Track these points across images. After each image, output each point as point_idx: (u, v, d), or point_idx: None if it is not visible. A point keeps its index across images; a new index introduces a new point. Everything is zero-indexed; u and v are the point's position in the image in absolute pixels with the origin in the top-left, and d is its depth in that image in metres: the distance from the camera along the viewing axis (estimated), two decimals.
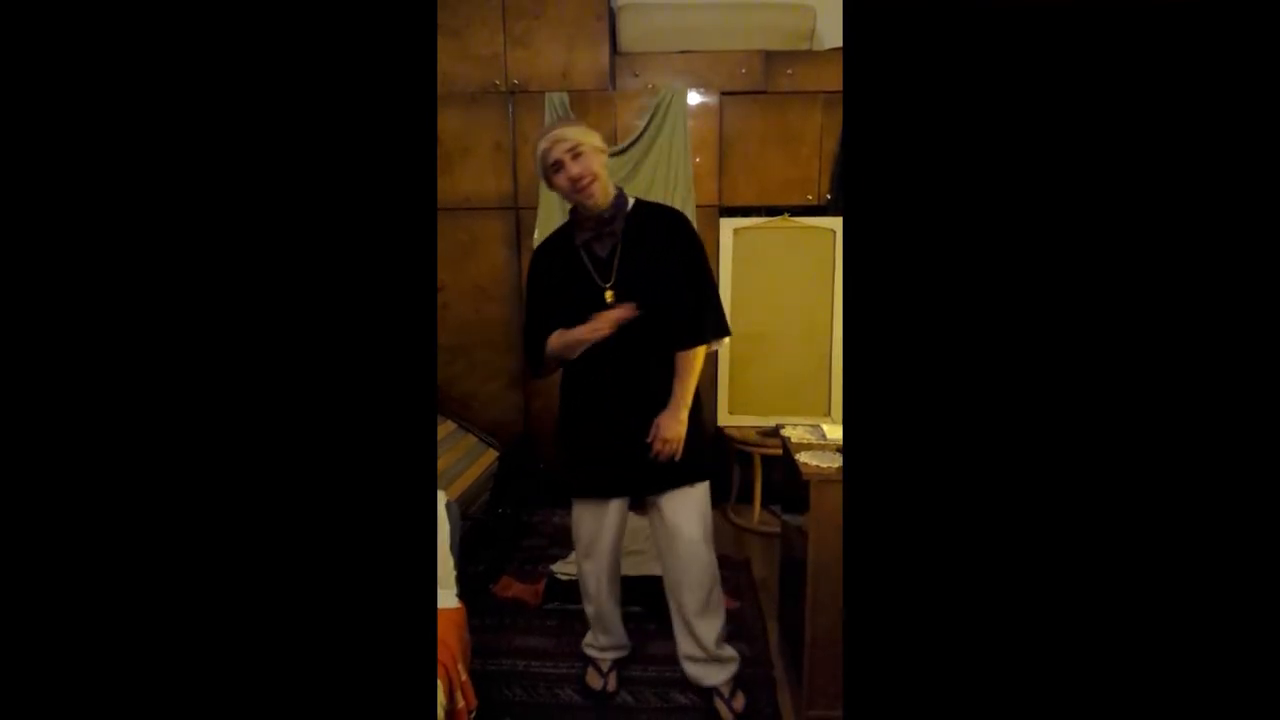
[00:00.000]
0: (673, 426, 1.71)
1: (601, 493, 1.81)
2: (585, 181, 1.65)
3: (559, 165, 1.65)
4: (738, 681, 1.91)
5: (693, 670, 1.89)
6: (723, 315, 1.78)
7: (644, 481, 1.77)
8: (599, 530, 1.84)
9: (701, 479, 1.80)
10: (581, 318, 1.69)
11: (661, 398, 1.72)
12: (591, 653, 2.04)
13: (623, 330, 1.67)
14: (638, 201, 1.78)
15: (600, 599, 1.95)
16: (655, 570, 2.31)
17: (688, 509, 1.79)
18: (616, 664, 2.04)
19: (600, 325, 1.65)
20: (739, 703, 1.87)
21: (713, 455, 1.94)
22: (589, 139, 1.66)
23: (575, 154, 1.64)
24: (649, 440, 1.71)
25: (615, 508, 1.83)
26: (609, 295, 1.69)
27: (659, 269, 1.70)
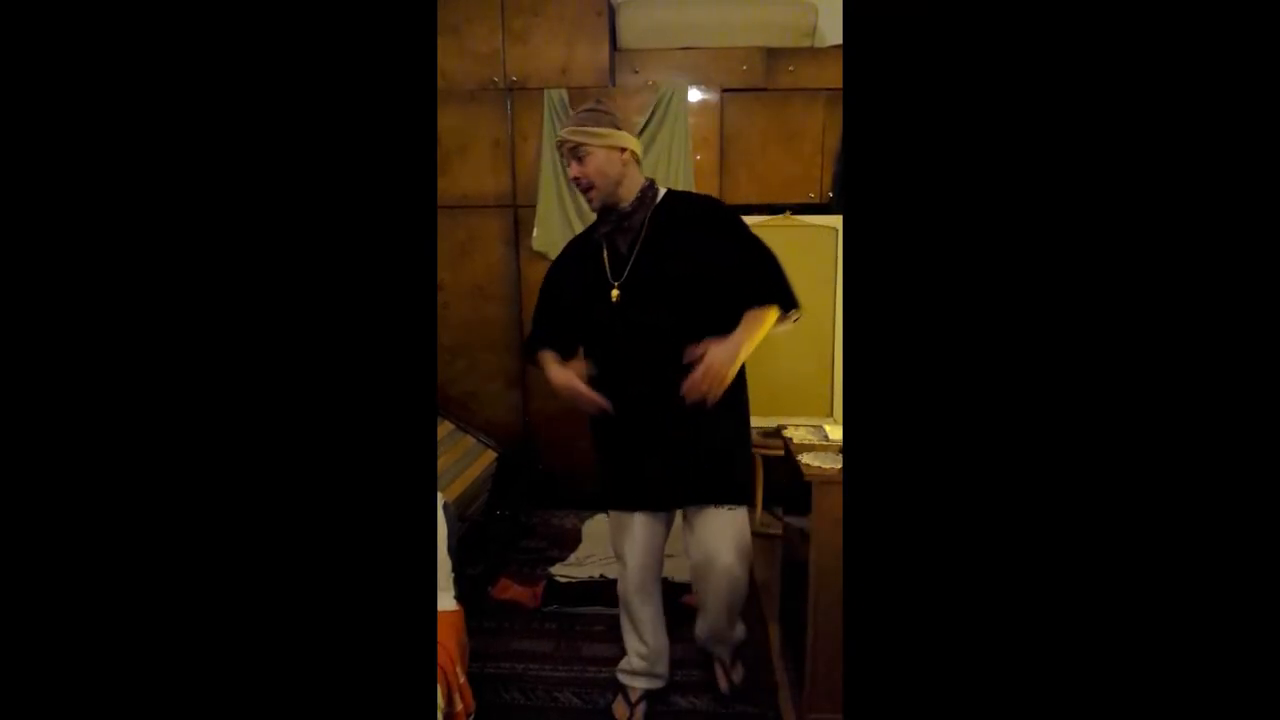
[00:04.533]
0: (722, 358, 1.48)
1: (627, 504, 1.72)
2: (583, 184, 1.60)
3: (568, 161, 1.60)
4: (739, 652, 1.99)
5: (706, 645, 1.95)
6: (790, 288, 1.61)
7: (672, 495, 1.68)
8: (626, 545, 1.76)
9: (738, 502, 1.68)
10: (588, 314, 1.66)
11: (685, 404, 1.55)
12: (622, 678, 1.91)
13: (642, 330, 1.60)
14: (670, 193, 1.68)
15: (630, 613, 1.84)
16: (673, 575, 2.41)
17: (724, 533, 1.67)
18: (647, 695, 1.89)
19: (582, 400, 1.62)
20: (738, 673, 1.97)
21: (748, 480, 1.81)
22: (598, 139, 1.56)
23: (578, 155, 1.58)
24: (691, 362, 1.51)
25: (642, 522, 1.72)
26: (614, 294, 1.62)
27: (687, 256, 1.59)
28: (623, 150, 1.59)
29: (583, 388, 1.61)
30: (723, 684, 1.95)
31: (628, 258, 1.63)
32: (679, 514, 1.77)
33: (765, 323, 1.57)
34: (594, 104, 1.62)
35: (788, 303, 1.60)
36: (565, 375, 1.65)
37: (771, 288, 1.59)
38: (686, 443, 1.62)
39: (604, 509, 1.80)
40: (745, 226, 1.66)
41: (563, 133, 1.59)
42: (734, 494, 1.68)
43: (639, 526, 1.73)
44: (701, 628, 1.89)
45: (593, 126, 1.57)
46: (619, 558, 1.80)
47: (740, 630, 1.93)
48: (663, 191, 1.68)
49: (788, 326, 1.66)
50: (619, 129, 1.59)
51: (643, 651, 1.86)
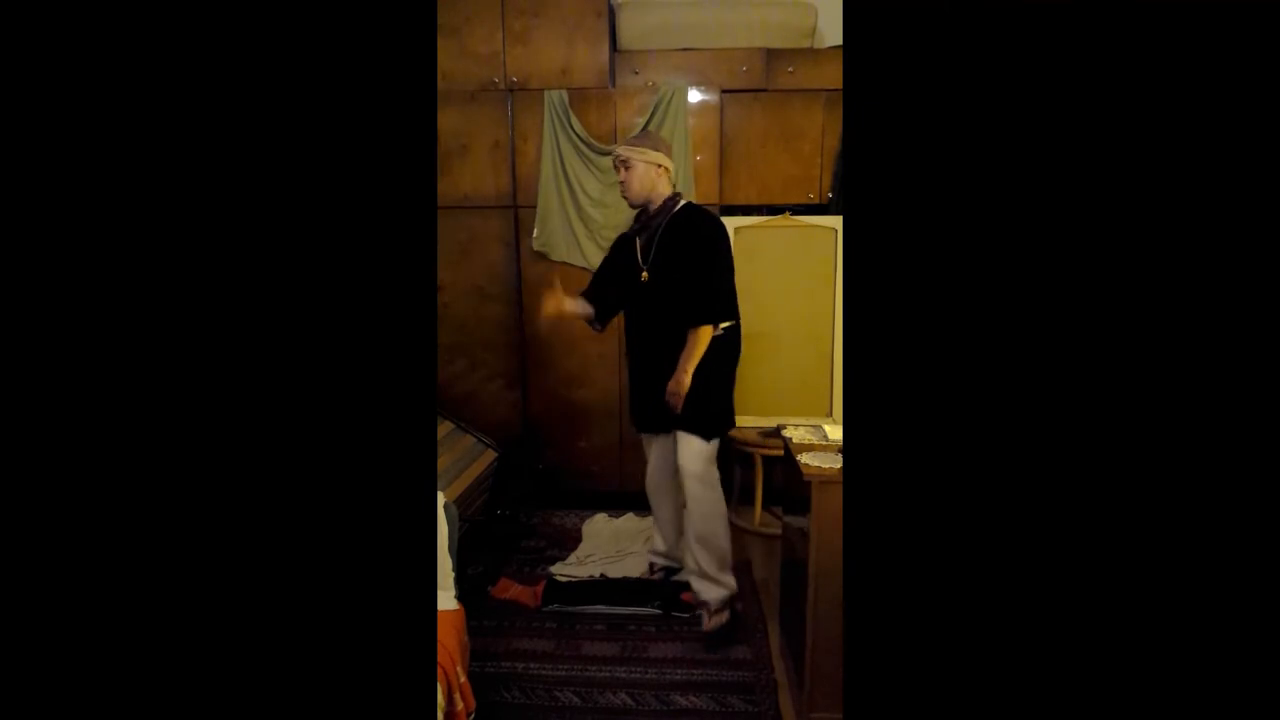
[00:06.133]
0: (673, 385, 2.17)
1: (636, 425, 2.45)
2: (623, 189, 2.25)
3: (618, 170, 2.25)
4: (730, 603, 2.27)
5: (694, 583, 2.30)
6: (727, 302, 2.18)
7: (657, 421, 2.32)
8: (648, 455, 2.47)
9: (700, 433, 2.23)
10: (625, 290, 2.31)
11: (675, 357, 2.18)
12: (649, 559, 2.62)
13: (650, 306, 2.25)
14: (687, 206, 2.27)
15: (654, 513, 2.55)
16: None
17: (690, 452, 2.24)
18: (667, 570, 2.58)
19: (566, 311, 2.33)
20: (721, 618, 2.23)
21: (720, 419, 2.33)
22: (644, 156, 2.20)
23: (625, 165, 2.21)
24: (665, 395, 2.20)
25: (648, 439, 2.44)
26: (644, 275, 2.26)
27: (677, 260, 2.19)
28: (658, 166, 2.21)
29: (569, 304, 2.33)
30: (705, 624, 2.25)
31: (649, 249, 2.25)
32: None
33: (701, 339, 2.17)
34: (643, 131, 2.44)
35: (711, 316, 2.17)
36: (569, 303, 2.33)
37: (701, 310, 2.16)
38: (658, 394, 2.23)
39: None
40: (715, 246, 2.19)
41: (617, 149, 2.23)
42: (695, 425, 2.23)
43: (645, 443, 2.47)
44: (689, 559, 2.34)
45: (638, 144, 2.22)
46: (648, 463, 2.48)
47: (727, 579, 2.29)
48: (683, 202, 2.26)
49: (722, 329, 2.22)
50: (658, 150, 2.21)
51: (661, 549, 2.58)
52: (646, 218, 2.26)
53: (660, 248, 2.23)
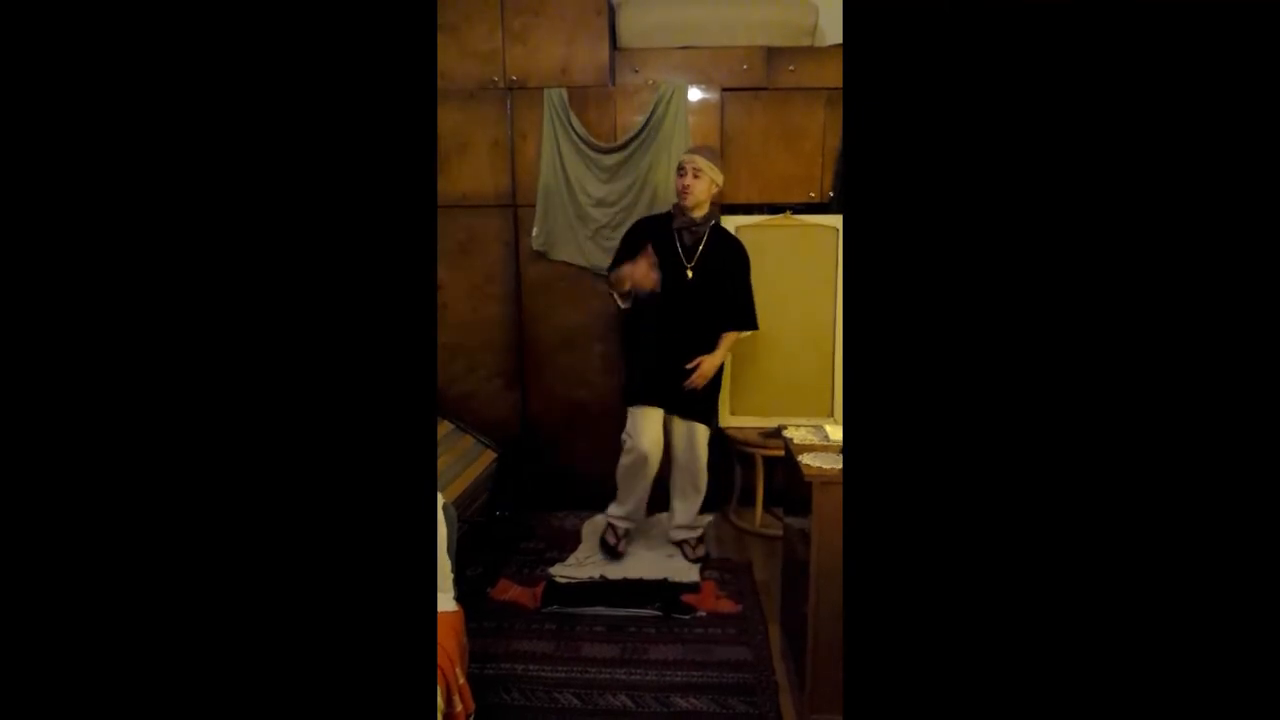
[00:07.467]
0: (709, 364, 2.54)
1: (648, 401, 2.61)
2: (686, 193, 2.48)
3: (682, 171, 2.48)
4: (702, 539, 2.78)
5: (674, 534, 2.78)
6: (752, 315, 2.62)
7: (675, 404, 2.60)
8: (640, 429, 2.60)
9: (706, 423, 2.68)
10: (664, 279, 2.48)
11: (703, 350, 2.56)
12: (612, 520, 2.74)
13: (690, 302, 2.53)
14: (716, 224, 2.62)
15: (627, 478, 2.67)
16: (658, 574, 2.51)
17: (698, 440, 2.66)
18: (629, 533, 2.76)
19: (642, 274, 2.41)
20: (699, 550, 2.74)
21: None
22: (711, 173, 2.48)
23: (696, 174, 2.45)
24: (689, 367, 2.52)
25: (654, 414, 2.60)
26: (689, 272, 2.54)
27: (724, 272, 2.56)
28: (716, 185, 2.52)
29: (643, 265, 2.42)
30: (690, 555, 2.71)
31: (694, 250, 2.54)
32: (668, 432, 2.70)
33: (732, 341, 2.62)
34: (708, 147, 2.64)
35: (749, 326, 2.64)
36: (630, 264, 2.43)
37: (743, 320, 2.62)
38: (685, 379, 2.56)
39: (627, 404, 2.67)
40: (747, 266, 2.62)
41: (693, 157, 2.47)
42: (706, 417, 2.67)
43: (649, 416, 2.60)
44: (673, 517, 2.79)
45: (711, 160, 2.49)
46: (631, 440, 2.62)
47: (700, 520, 2.79)
48: (714, 221, 2.62)
49: (744, 335, 2.67)
50: (718, 167, 2.52)
51: (623, 511, 2.72)
52: (688, 220, 2.52)
53: (706, 255, 2.54)
